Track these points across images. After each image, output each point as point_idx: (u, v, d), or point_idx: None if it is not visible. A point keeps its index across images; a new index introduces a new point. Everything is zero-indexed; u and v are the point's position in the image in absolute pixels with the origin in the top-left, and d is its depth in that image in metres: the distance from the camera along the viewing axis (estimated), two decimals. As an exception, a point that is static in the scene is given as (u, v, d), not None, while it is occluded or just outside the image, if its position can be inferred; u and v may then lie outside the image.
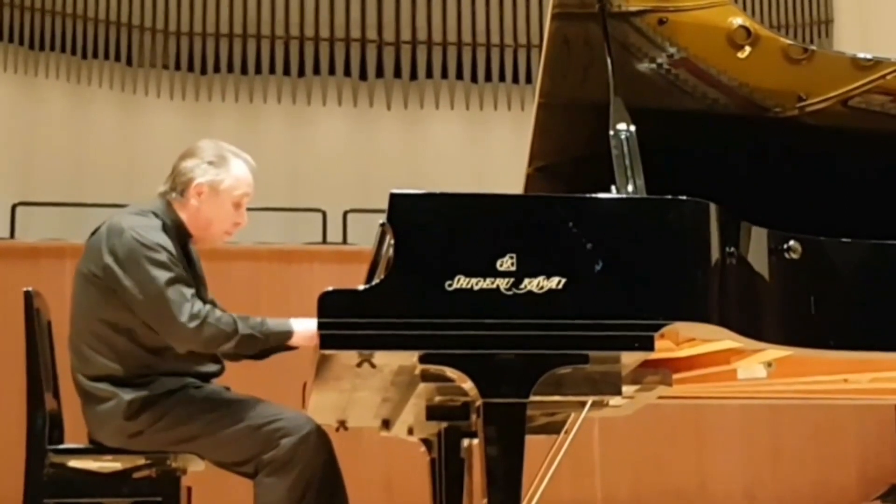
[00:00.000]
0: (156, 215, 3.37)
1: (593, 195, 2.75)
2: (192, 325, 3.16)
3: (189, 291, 3.22)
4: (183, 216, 3.41)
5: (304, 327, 3.21)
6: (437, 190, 2.71)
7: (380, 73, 10.33)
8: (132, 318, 3.27)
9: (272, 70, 10.20)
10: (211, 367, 3.44)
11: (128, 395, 3.27)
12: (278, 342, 3.27)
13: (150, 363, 3.31)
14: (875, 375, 3.23)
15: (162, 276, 3.20)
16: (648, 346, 2.62)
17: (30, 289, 3.46)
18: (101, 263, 3.28)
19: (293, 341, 3.26)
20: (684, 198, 2.69)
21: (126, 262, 3.24)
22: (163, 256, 3.24)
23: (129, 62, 9.97)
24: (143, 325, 3.27)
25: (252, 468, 3.25)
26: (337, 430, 3.73)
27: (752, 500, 7.06)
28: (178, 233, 3.38)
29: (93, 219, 3.67)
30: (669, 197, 2.70)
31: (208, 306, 3.22)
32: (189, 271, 3.35)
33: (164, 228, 3.33)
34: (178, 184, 3.41)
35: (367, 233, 4.55)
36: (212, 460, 3.35)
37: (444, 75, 10.38)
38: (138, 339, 3.30)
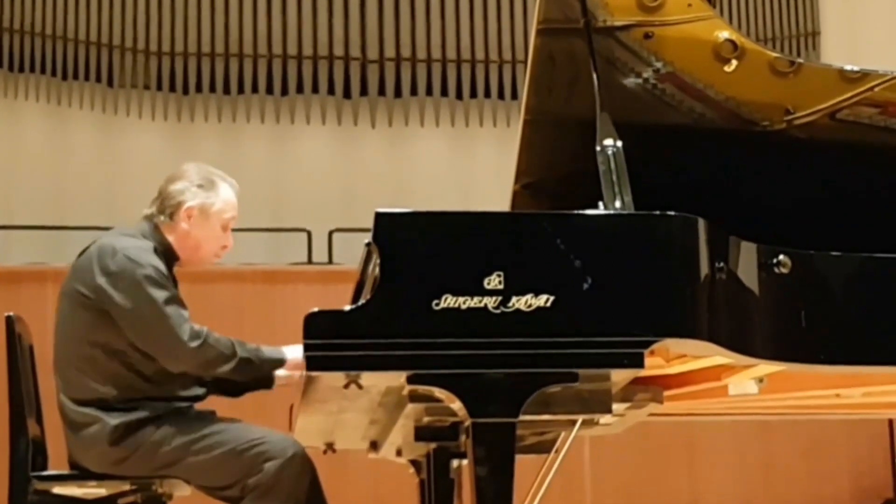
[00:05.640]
0: (144, 238, 3.37)
1: (581, 211, 2.75)
2: (194, 344, 3.17)
3: (186, 312, 3.23)
4: (171, 239, 3.41)
5: (297, 354, 3.22)
6: (423, 208, 2.69)
7: (364, 90, 10.30)
8: (123, 340, 3.25)
9: (255, 89, 10.16)
10: (196, 391, 3.42)
11: (113, 420, 3.24)
12: (271, 369, 3.32)
13: (139, 387, 3.29)
14: (867, 390, 3.22)
15: (160, 295, 3.21)
16: (638, 363, 2.60)
17: (11, 314, 3.44)
18: (92, 284, 3.27)
19: (286, 367, 3.31)
20: (672, 213, 2.68)
21: (121, 283, 3.23)
22: (158, 276, 3.24)
23: (109, 83, 9.92)
24: (133, 347, 3.25)
25: (237, 492, 3.23)
26: (325, 452, 3.71)
27: (745, 516, 7.04)
28: (166, 256, 3.38)
29: (74, 242, 3.65)
30: (657, 212, 2.69)
31: (206, 327, 3.21)
32: (177, 295, 3.36)
33: (155, 251, 3.33)
34: (167, 207, 3.41)
35: (352, 252, 4.53)
36: (197, 486, 3.33)
37: (429, 92, 10.36)
38: (129, 362, 3.28)
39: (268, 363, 3.28)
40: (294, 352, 3.25)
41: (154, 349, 3.22)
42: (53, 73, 9.78)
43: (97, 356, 3.28)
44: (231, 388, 3.56)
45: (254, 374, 3.32)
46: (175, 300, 3.23)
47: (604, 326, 2.60)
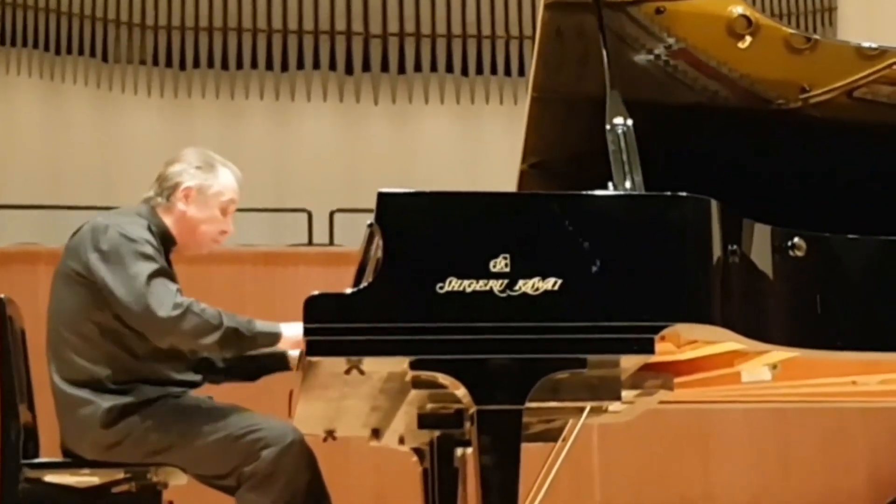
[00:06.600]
0: (140, 217, 3.35)
1: (590, 192, 2.71)
2: (175, 312, 3.12)
3: (174, 286, 3.20)
4: (168, 221, 3.39)
5: (295, 332, 3.17)
6: (428, 188, 2.68)
7: (366, 66, 10.25)
8: (116, 319, 3.22)
9: (254, 65, 10.13)
10: (191, 377, 3.39)
11: (107, 403, 3.21)
12: (265, 344, 3.27)
13: (133, 368, 3.26)
14: (884, 377, 3.18)
15: (147, 267, 3.18)
16: (648, 348, 2.57)
17: (2, 296, 3.39)
18: (84, 261, 3.25)
19: (281, 346, 3.27)
20: (684, 194, 2.65)
21: (110, 257, 3.21)
22: (147, 249, 3.23)
23: (104, 58, 9.88)
24: (125, 325, 3.22)
25: (233, 481, 3.19)
26: (325, 440, 3.69)
27: (760, 509, 6.98)
28: (163, 239, 3.35)
29: (69, 222, 3.62)
30: (669, 193, 2.66)
31: (193, 299, 3.18)
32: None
33: (149, 229, 3.31)
34: (165, 189, 3.41)
35: (354, 234, 4.47)
36: (192, 474, 3.29)
37: (434, 68, 10.32)
38: (122, 342, 3.25)
39: (261, 336, 3.22)
40: (291, 329, 3.21)
41: (136, 322, 3.19)
42: (46, 48, 9.73)
43: (91, 335, 3.26)
44: (246, 371, 3.55)
45: (246, 348, 3.27)
46: (162, 273, 3.20)
47: (613, 311, 2.57)
